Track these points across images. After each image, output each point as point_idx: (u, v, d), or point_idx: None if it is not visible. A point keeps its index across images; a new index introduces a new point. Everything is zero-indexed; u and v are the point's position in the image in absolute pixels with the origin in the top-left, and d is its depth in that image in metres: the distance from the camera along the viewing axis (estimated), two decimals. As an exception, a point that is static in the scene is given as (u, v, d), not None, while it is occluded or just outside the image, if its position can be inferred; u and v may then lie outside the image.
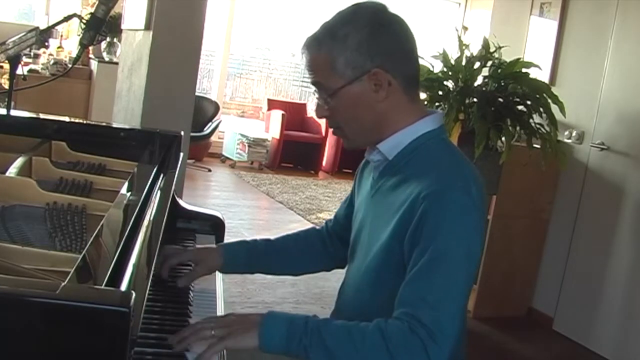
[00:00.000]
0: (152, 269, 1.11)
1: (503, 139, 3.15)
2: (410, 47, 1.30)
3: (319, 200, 6.33)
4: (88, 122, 2.19)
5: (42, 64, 5.92)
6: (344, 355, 1.10)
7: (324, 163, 8.08)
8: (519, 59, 3.36)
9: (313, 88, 1.33)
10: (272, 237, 1.58)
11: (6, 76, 4.20)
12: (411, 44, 1.31)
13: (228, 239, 1.87)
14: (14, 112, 1.82)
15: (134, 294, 0.76)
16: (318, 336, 1.10)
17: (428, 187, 1.18)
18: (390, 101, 1.28)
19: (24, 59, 3.47)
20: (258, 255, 1.55)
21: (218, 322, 1.14)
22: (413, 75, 1.32)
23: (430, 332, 1.09)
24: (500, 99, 3.22)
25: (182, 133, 1.91)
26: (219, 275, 1.60)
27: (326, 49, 1.25)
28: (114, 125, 2.65)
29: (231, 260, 1.51)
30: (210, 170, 7.14)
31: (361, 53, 1.24)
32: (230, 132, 7.87)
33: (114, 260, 0.94)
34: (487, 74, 3.34)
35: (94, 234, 1.05)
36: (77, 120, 2.08)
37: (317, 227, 1.64)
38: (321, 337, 1.10)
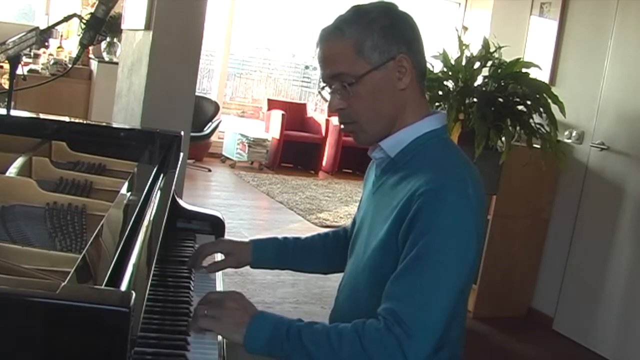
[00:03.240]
0: (152, 268, 1.11)
1: (503, 139, 3.15)
2: (422, 41, 1.33)
3: (319, 200, 6.33)
4: (88, 122, 2.19)
5: (42, 64, 5.92)
6: (323, 357, 1.12)
7: (324, 163, 8.07)
8: (519, 59, 3.36)
9: (322, 84, 1.32)
10: (302, 236, 1.62)
11: (6, 76, 4.20)
12: (422, 39, 1.33)
13: (228, 239, 1.87)
14: (14, 112, 1.82)
15: (134, 294, 0.76)
16: (299, 341, 1.13)
17: (424, 185, 1.19)
18: (409, 91, 1.29)
19: (24, 59, 3.47)
20: (286, 252, 1.59)
21: (217, 302, 1.19)
22: (424, 69, 1.34)
23: (408, 328, 1.10)
24: (500, 99, 3.22)
25: (182, 133, 1.91)
26: (219, 276, 1.60)
27: (352, 34, 1.25)
28: (114, 125, 2.65)
29: (260, 257, 1.56)
30: (210, 170, 7.14)
31: (387, 38, 1.25)
32: (230, 132, 7.87)
33: (114, 260, 0.94)
34: (487, 74, 3.34)
35: (94, 234, 1.05)
36: (77, 120, 2.08)
37: (347, 227, 1.64)
38: (301, 341, 1.13)
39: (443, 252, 1.14)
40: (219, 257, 1.62)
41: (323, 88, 1.32)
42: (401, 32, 1.27)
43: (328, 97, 1.31)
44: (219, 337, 1.22)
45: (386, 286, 1.17)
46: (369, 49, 1.25)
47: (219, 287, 1.55)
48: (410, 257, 1.15)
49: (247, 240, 1.59)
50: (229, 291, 1.27)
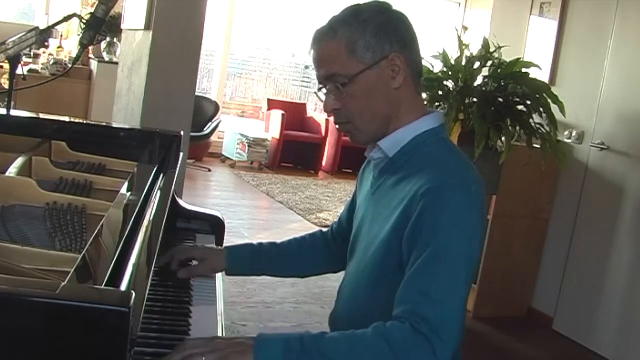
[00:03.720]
0: (152, 269, 1.11)
1: (503, 139, 3.15)
2: (417, 40, 1.32)
3: (319, 200, 6.33)
4: (88, 122, 2.19)
5: (42, 64, 5.92)
6: None
7: (324, 163, 8.08)
8: (519, 59, 3.36)
9: (318, 86, 1.32)
10: (278, 241, 1.60)
11: (6, 76, 4.20)
12: (417, 38, 1.32)
13: (228, 239, 1.87)
14: (14, 112, 1.82)
15: (134, 294, 0.76)
16: (317, 352, 1.06)
17: (427, 185, 1.18)
18: (403, 90, 1.29)
19: (24, 59, 3.46)
20: (262, 258, 1.56)
21: (208, 346, 1.06)
22: (420, 68, 1.34)
23: (435, 328, 1.08)
24: (500, 99, 3.22)
25: (182, 133, 1.91)
26: (219, 275, 1.60)
27: (345, 34, 1.25)
28: (114, 125, 2.65)
29: (235, 264, 1.53)
30: (210, 170, 7.14)
31: (380, 37, 1.25)
32: (230, 132, 7.87)
33: (114, 260, 0.94)
34: (487, 74, 3.34)
35: (94, 234, 1.05)
36: (77, 120, 2.08)
37: (324, 230, 1.63)
38: (320, 352, 1.06)
39: (452, 249, 1.14)
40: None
41: (320, 89, 1.32)
42: (394, 31, 1.27)
43: (324, 98, 1.31)
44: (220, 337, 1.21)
45: (400, 288, 1.15)
46: (362, 48, 1.25)
47: (219, 287, 1.54)
48: (422, 259, 1.14)
49: (221, 247, 1.57)
50: (210, 337, 1.15)
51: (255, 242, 1.60)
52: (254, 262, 1.55)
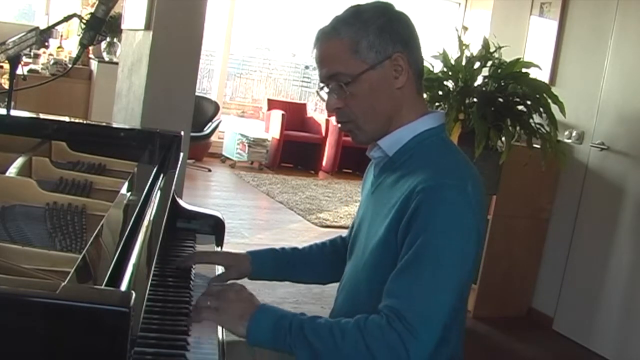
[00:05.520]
0: (152, 268, 1.11)
1: (503, 139, 3.15)
2: (419, 40, 1.33)
3: (319, 200, 6.33)
4: (88, 122, 2.19)
5: (42, 64, 5.92)
6: (326, 352, 1.12)
7: (324, 163, 8.08)
8: (519, 59, 3.36)
9: (320, 85, 1.32)
10: (300, 246, 1.61)
11: (6, 76, 4.20)
12: (419, 38, 1.33)
13: (228, 239, 1.87)
14: (14, 112, 1.82)
15: (134, 294, 0.76)
16: (302, 334, 1.13)
17: (423, 183, 1.19)
18: (405, 90, 1.29)
19: (24, 59, 3.46)
20: (285, 263, 1.57)
21: (219, 294, 1.20)
22: (422, 68, 1.34)
23: (410, 326, 1.10)
24: (500, 99, 3.22)
25: (182, 133, 1.91)
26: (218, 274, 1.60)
27: (348, 34, 1.26)
28: (114, 125, 2.65)
29: (259, 268, 1.54)
30: (210, 170, 7.14)
31: (383, 37, 1.26)
32: (230, 132, 7.87)
33: (114, 260, 0.94)
34: (487, 74, 3.34)
35: (94, 234, 1.05)
36: (77, 120, 2.08)
37: (343, 235, 1.63)
38: (304, 335, 1.13)
39: (442, 249, 1.15)
40: (219, 269, 1.60)
41: (322, 88, 1.32)
42: (397, 32, 1.28)
43: (326, 97, 1.31)
44: (219, 338, 1.21)
45: (387, 283, 1.17)
46: (365, 48, 1.25)
47: (219, 287, 1.55)
48: (410, 254, 1.15)
49: (244, 252, 1.57)
50: (231, 283, 1.26)
51: (277, 247, 1.60)
52: (277, 268, 1.56)
